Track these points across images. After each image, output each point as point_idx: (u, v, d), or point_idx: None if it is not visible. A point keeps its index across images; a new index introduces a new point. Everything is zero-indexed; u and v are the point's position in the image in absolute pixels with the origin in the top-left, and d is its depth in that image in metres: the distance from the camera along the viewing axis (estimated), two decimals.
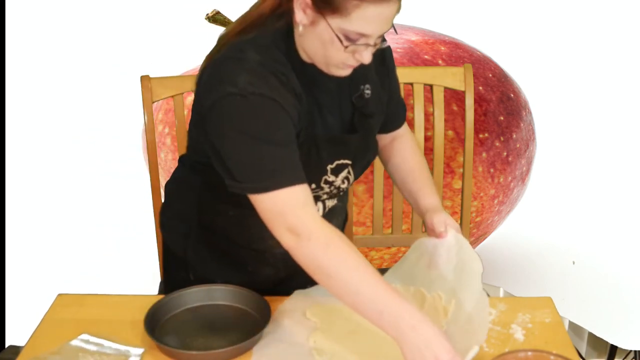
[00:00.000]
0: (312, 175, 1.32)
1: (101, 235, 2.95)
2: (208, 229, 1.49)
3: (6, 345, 2.10)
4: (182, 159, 1.55)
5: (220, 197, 1.41)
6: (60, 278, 2.63)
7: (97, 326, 1.34)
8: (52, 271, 2.70)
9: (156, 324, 1.33)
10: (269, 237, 1.40)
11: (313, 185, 1.35)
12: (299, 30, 1.24)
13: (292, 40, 1.29)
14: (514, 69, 2.58)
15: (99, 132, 3.68)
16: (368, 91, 1.41)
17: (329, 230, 1.18)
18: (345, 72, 1.28)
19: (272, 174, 1.19)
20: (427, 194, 1.47)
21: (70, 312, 1.40)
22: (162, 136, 2.42)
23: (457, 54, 2.37)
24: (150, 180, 1.79)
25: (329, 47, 1.22)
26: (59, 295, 1.45)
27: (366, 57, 1.23)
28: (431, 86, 1.85)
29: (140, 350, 1.27)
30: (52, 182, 3.35)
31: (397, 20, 1.23)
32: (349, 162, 1.38)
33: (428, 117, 1.99)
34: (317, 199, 1.42)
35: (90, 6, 3.95)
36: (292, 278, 1.47)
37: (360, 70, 1.36)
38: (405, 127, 1.59)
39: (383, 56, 1.45)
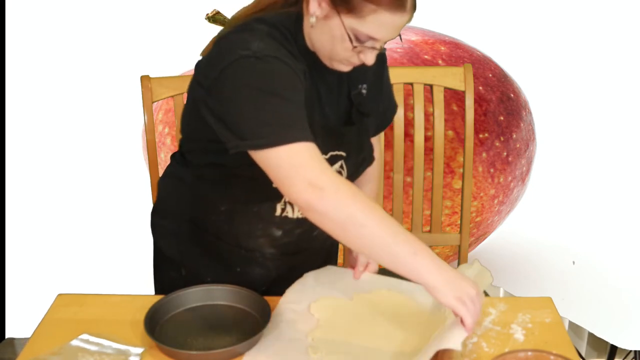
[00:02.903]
0: None
1: (101, 235, 2.95)
2: (199, 227, 1.49)
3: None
4: (174, 156, 1.55)
5: (212, 191, 1.41)
6: (60, 278, 2.63)
7: (97, 326, 1.34)
8: (52, 271, 2.70)
9: (156, 324, 1.33)
10: (259, 235, 1.40)
11: None
12: (311, 20, 1.25)
13: (300, 26, 1.30)
14: (514, 69, 2.58)
15: (99, 132, 3.68)
16: (364, 91, 1.42)
17: (350, 183, 1.18)
18: (346, 68, 1.30)
19: (290, 127, 1.17)
20: None
21: (70, 312, 1.39)
22: (162, 136, 2.42)
23: (457, 54, 2.37)
24: (150, 180, 1.79)
25: (338, 43, 1.23)
26: (59, 295, 1.45)
27: (370, 58, 1.25)
28: (431, 86, 1.85)
29: (140, 350, 1.27)
30: (52, 182, 3.35)
31: None
32: (343, 154, 1.39)
33: (428, 117, 1.99)
34: None
35: (90, 6, 3.95)
36: (285, 279, 1.46)
37: (360, 70, 1.37)
38: (377, 145, 1.58)
39: (382, 60, 1.47)
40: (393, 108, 1.59)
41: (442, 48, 2.38)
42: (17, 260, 2.69)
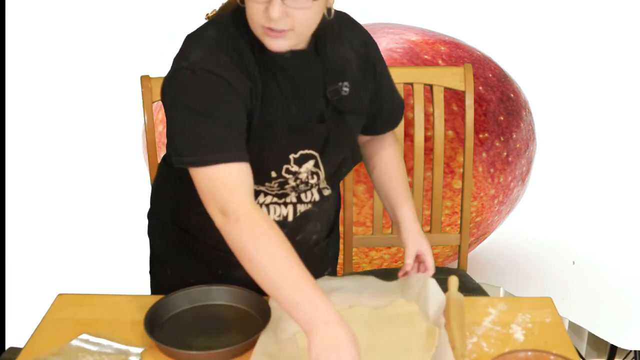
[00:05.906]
0: (271, 162, 1.33)
1: (101, 235, 2.95)
2: (181, 228, 1.50)
3: (6, 347, 2.10)
4: (164, 157, 1.56)
5: (191, 192, 1.41)
6: (60, 278, 2.63)
7: (97, 326, 1.34)
8: (52, 271, 2.70)
9: (156, 324, 1.33)
10: None
11: (273, 174, 1.34)
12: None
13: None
14: (514, 69, 2.58)
15: (99, 132, 3.68)
16: (346, 88, 1.38)
17: (258, 215, 1.19)
18: (274, 42, 1.24)
19: (210, 149, 1.21)
20: (403, 204, 1.48)
21: (70, 312, 1.40)
22: (162, 136, 2.42)
23: (457, 54, 2.37)
24: (150, 180, 1.79)
25: (246, 9, 1.23)
26: (59, 295, 1.45)
27: (272, 11, 1.18)
28: (431, 86, 1.85)
29: (140, 350, 1.27)
30: (52, 182, 3.35)
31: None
32: (314, 153, 1.37)
33: (428, 117, 1.99)
34: (283, 196, 1.40)
35: (90, 6, 3.95)
36: None
37: (340, 67, 1.36)
38: (392, 135, 1.58)
39: (367, 56, 1.43)
40: (399, 107, 1.57)
41: (442, 48, 2.38)
42: (17, 260, 2.69)
